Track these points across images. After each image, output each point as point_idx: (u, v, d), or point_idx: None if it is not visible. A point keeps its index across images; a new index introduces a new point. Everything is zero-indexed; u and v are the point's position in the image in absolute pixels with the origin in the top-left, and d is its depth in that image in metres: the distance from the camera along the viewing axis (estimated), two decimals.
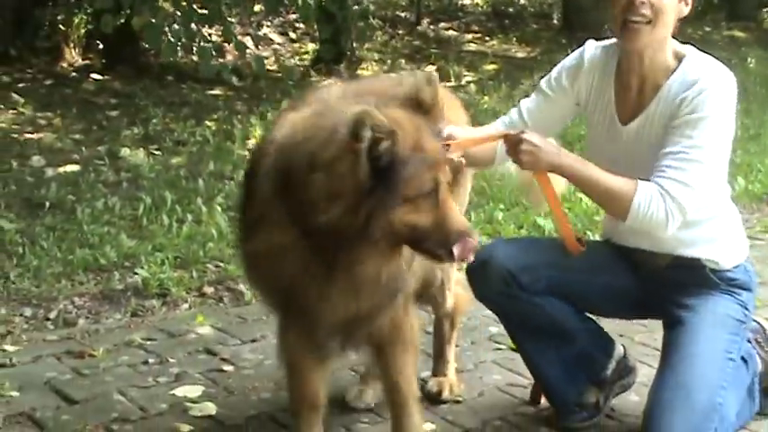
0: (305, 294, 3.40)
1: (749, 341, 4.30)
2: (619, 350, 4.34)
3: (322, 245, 3.26)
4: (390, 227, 3.19)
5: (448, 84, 11.16)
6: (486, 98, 10.30)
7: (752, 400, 4.23)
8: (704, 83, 3.80)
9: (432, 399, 4.38)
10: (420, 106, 3.30)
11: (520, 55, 12.84)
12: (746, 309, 4.11)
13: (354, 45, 12.00)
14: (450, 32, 14.14)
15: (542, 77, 4.30)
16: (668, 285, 4.06)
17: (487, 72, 11.84)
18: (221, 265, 5.99)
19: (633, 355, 4.48)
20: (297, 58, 12.10)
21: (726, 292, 4.03)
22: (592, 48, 4.15)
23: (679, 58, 3.92)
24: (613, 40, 4.05)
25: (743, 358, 4.17)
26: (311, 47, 12.48)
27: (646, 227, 3.80)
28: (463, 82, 11.31)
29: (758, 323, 4.41)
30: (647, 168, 3.81)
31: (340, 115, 3.16)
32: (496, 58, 12.57)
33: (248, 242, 3.48)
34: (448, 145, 3.50)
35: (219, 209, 6.74)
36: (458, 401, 4.40)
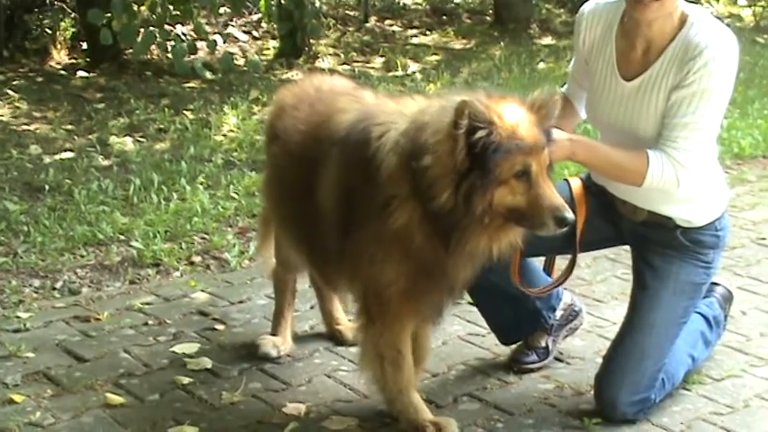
0: (434, 262, 3.45)
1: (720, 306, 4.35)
2: (566, 297, 4.37)
3: (440, 226, 3.34)
4: (488, 206, 3.26)
5: (396, 74, 11.15)
6: (431, 85, 10.28)
7: (707, 346, 4.26)
8: (710, 52, 3.61)
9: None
10: (540, 109, 3.38)
11: (457, 47, 12.80)
12: (710, 267, 4.00)
13: (310, 41, 11.92)
14: (396, 28, 14.08)
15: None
16: (640, 241, 4.01)
17: (430, 62, 11.79)
18: (206, 237, 5.95)
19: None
20: (261, 53, 11.99)
21: (692, 257, 3.92)
22: (591, 3, 4.00)
23: (683, 20, 3.72)
24: None
25: (710, 322, 4.21)
26: (273, 44, 12.37)
27: (658, 189, 3.74)
28: (409, 72, 11.26)
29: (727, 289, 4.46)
30: (644, 128, 3.75)
31: (452, 106, 3.25)
32: (437, 49, 12.52)
33: (383, 217, 3.44)
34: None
35: (201, 188, 6.70)
36: None
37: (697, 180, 3.75)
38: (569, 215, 3.29)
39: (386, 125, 3.50)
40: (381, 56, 12.22)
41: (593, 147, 3.77)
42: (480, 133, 3.20)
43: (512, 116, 3.30)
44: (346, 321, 4.58)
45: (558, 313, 4.33)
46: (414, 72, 11.23)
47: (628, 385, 3.82)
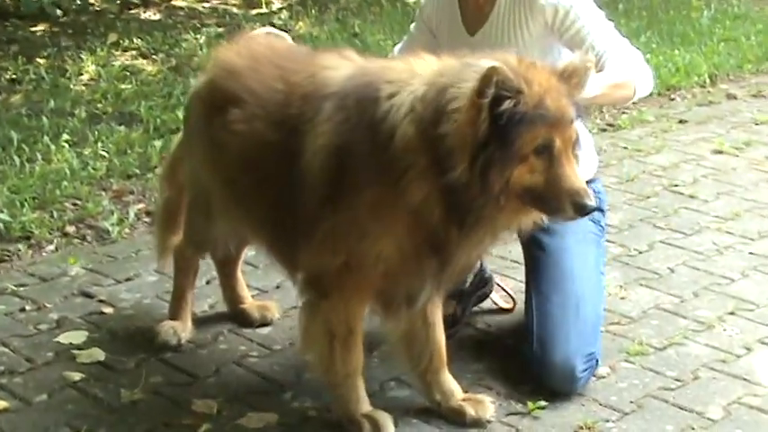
0: (445, 238, 3.09)
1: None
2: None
3: (456, 201, 2.97)
4: (506, 185, 2.90)
5: (261, 11, 10.65)
6: (299, 24, 9.85)
7: None
8: None
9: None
10: (570, 78, 3.05)
11: None
12: (601, 226, 4.00)
13: None
14: None
15: None
16: None
17: None
18: (78, 203, 5.46)
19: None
20: None
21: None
22: None
23: None
24: None
25: None
26: None
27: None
28: (274, 8, 10.79)
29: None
30: None
31: (475, 70, 2.91)
32: None
33: (394, 189, 3.05)
34: None
35: (67, 146, 6.15)
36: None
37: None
38: (590, 202, 2.96)
39: (397, 84, 3.11)
40: None
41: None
42: (507, 104, 2.85)
43: (540, 84, 2.95)
44: (250, 299, 4.21)
45: (467, 280, 4.08)
46: (280, 9, 10.75)
47: (575, 337, 3.64)
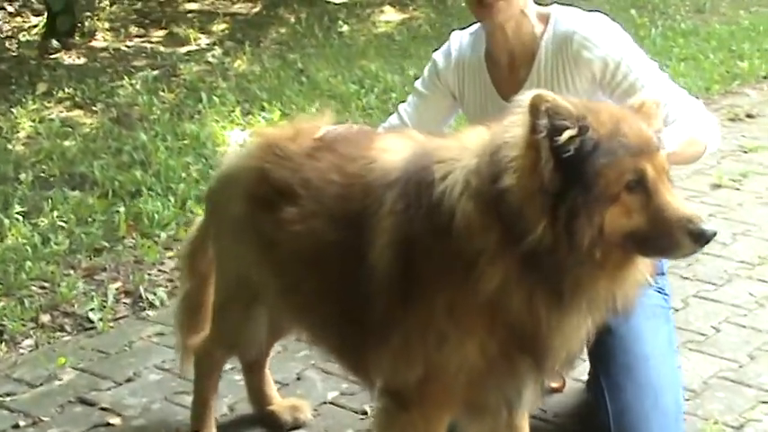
0: (534, 327, 2.62)
1: None
2: None
3: (542, 271, 2.51)
4: (598, 234, 2.44)
5: (190, 49, 10.17)
6: (238, 61, 9.40)
7: None
8: (583, 30, 3.41)
9: None
10: (641, 109, 2.66)
11: (242, 11, 11.91)
12: (666, 294, 3.66)
13: (85, 15, 10.75)
14: None
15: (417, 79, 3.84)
16: None
17: (219, 32, 10.88)
18: (47, 285, 4.96)
19: None
20: (25, 33, 10.68)
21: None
22: (457, 38, 3.71)
23: (545, 20, 3.49)
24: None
25: None
26: (37, 20, 11.06)
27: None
28: (203, 44, 10.32)
29: None
30: None
31: (521, 111, 2.52)
32: (224, 16, 11.57)
33: (465, 281, 2.62)
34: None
35: (21, 218, 5.62)
36: None
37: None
38: (709, 227, 2.50)
39: (449, 163, 2.71)
40: (164, 27, 11.17)
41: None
42: (568, 133, 2.42)
43: (610, 112, 2.55)
44: (279, 398, 3.78)
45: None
46: (208, 45, 10.30)
47: (655, 429, 3.27)
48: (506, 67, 3.55)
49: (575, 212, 2.43)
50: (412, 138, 3.05)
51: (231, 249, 3.37)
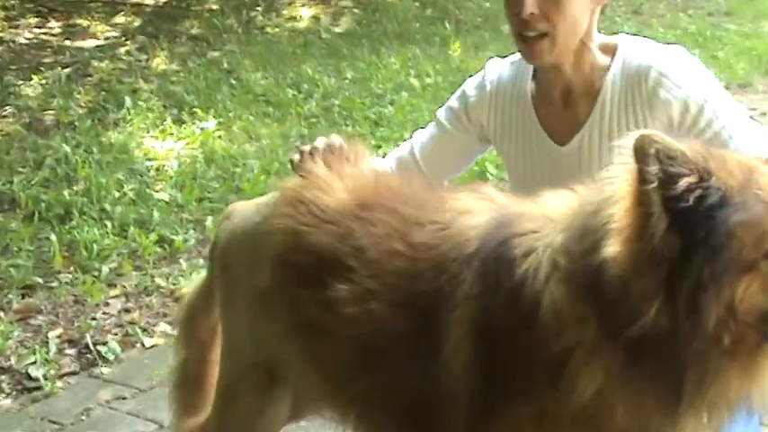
0: None
1: None
2: None
3: (653, 367, 1.99)
4: (727, 313, 1.91)
5: (99, 44, 9.44)
6: (156, 59, 8.70)
7: None
8: (659, 64, 2.85)
9: None
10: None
11: (150, 2, 11.18)
12: None
13: None
14: None
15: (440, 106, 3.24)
16: None
17: (128, 25, 10.15)
18: None
19: None
20: None
21: None
22: (495, 68, 3.14)
23: (611, 51, 2.92)
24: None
25: None
26: None
27: None
28: (112, 39, 9.59)
29: None
30: None
31: (621, 162, 2.00)
32: (131, 7, 10.82)
33: (556, 385, 2.09)
34: None
35: None
36: None
37: None
38: None
39: (531, 237, 2.15)
40: (59, 19, 10.38)
41: None
42: (686, 180, 1.89)
43: (737, 160, 2.02)
44: None
45: None
46: (116, 38, 9.58)
47: None
48: (560, 105, 3.01)
49: (699, 285, 1.89)
50: (491, 199, 2.46)
51: (249, 326, 2.74)
